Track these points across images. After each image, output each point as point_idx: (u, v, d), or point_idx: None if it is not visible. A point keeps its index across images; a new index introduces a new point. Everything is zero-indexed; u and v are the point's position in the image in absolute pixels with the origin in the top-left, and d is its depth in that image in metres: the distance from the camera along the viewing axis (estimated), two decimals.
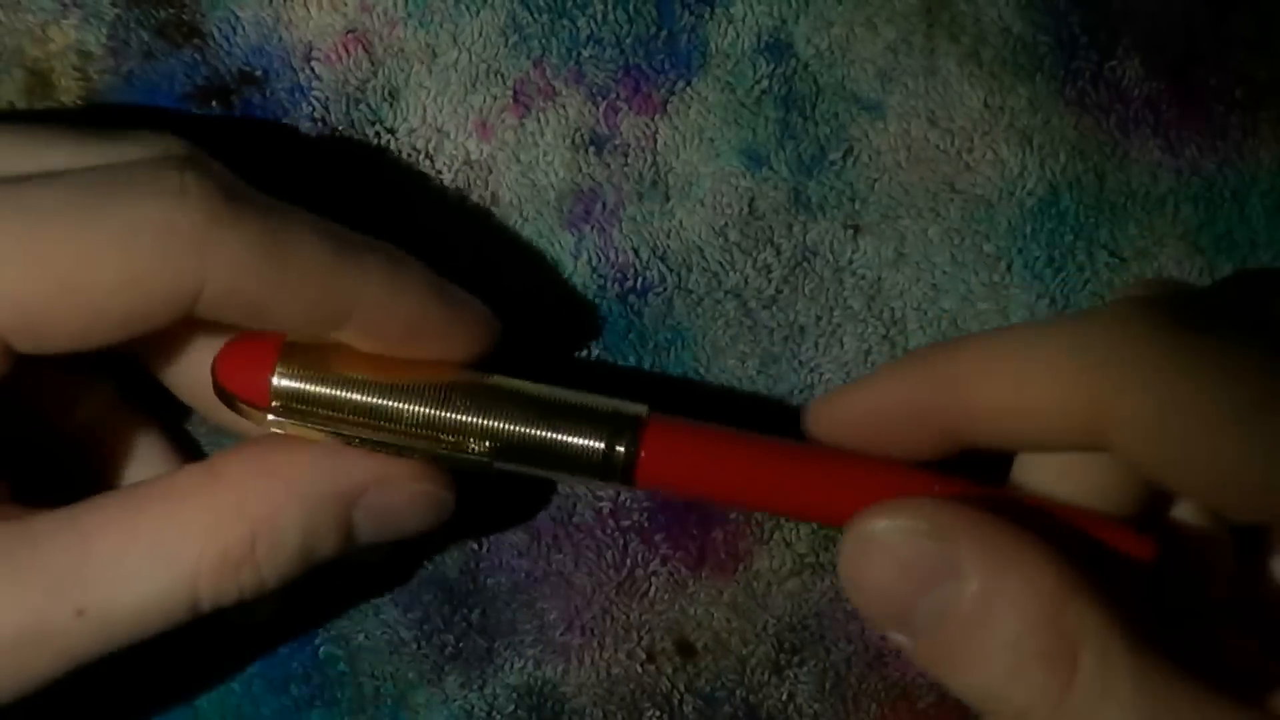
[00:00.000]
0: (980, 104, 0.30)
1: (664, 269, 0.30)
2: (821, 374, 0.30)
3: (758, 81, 0.30)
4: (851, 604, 0.24)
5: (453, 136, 0.30)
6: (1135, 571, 0.24)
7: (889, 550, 0.23)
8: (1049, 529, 0.23)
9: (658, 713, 0.30)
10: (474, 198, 0.30)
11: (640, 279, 0.30)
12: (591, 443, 0.25)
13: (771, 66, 0.30)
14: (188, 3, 0.29)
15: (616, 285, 0.30)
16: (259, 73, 0.30)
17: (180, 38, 0.29)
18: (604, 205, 0.30)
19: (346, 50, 0.30)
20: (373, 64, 0.30)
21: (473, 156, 0.30)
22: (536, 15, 0.30)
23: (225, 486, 0.24)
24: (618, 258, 0.30)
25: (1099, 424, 0.22)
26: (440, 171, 0.30)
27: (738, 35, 0.30)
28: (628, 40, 0.30)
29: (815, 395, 0.30)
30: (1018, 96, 0.30)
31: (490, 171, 0.30)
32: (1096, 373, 0.22)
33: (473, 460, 0.25)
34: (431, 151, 0.30)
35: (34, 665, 0.23)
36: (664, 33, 0.30)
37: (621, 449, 0.25)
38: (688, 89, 0.30)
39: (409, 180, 0.30)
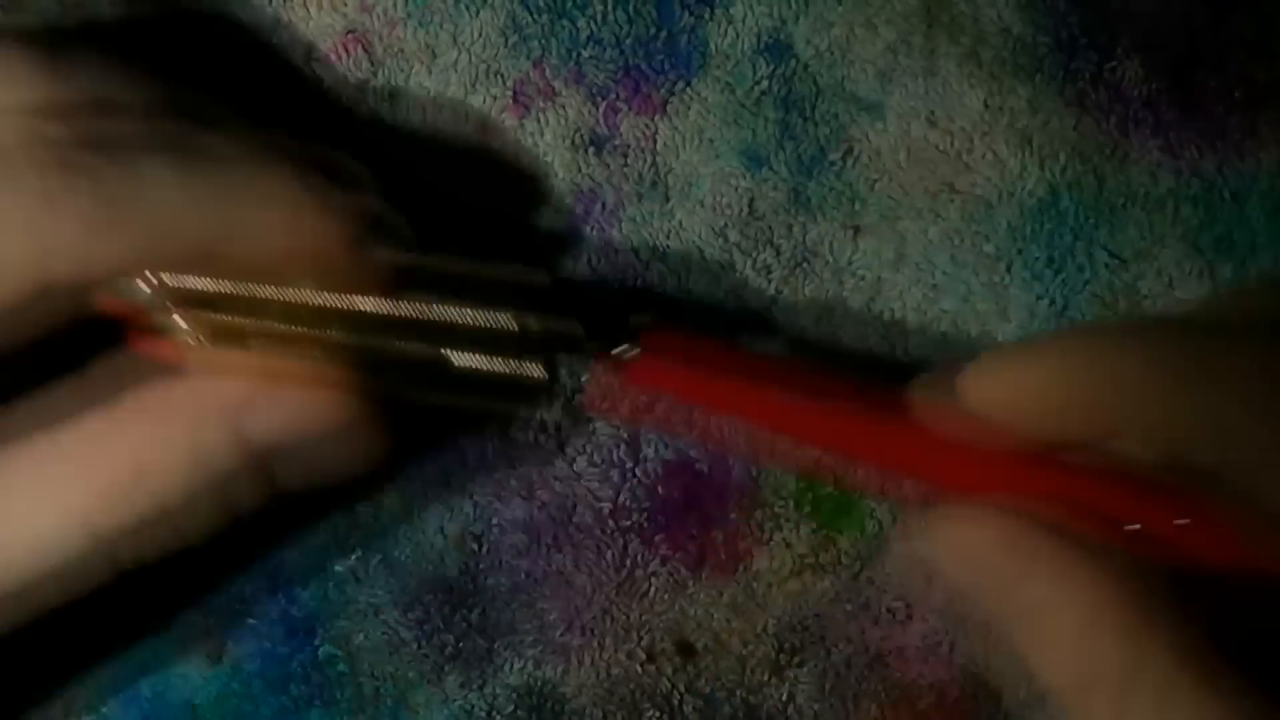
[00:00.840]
0: (980, 105, 0.30)
1: (664, 269, 0.30)
2: None
3: (757, 82, 0.30)
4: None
5: (453, 137, 0.30)
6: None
7: (963, 555, 0.23)
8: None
9: (658, 713, 0.30)
10: (474, 198, 0.30)
11: (640, 280, 0.30)
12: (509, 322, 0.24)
13: (771, 67, 0.30)
14: (187, 3, 0.29)
15: (617, 286, 0.30)
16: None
17: None
18: (604, 205, 0.30)
19: (346, 51, 0.30)
20: (372, 64, 0.30)
21: (473, 157, 0.30)
22: (536, 16, 0.30)
23: (112, 423, 0.23)
24: (618, 258, 0.30)
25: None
26: (440, 172, 0.30)
27: (737, 36, 0.30)
28: (627, 41, 0.30)
29: None
30: (1017, 97, 0.30)
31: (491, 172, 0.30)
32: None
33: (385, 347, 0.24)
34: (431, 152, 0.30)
35: None
36: (664, 33, 0.30)
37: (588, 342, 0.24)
38: (687, 89, 0.30)
39: (408, 181, 0.30)
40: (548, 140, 0.30)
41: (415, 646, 0.30)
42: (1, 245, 0.22)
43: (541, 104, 0.30)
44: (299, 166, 0.24)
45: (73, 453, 0.23)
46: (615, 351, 0.24)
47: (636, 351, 0.25)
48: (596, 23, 0.30)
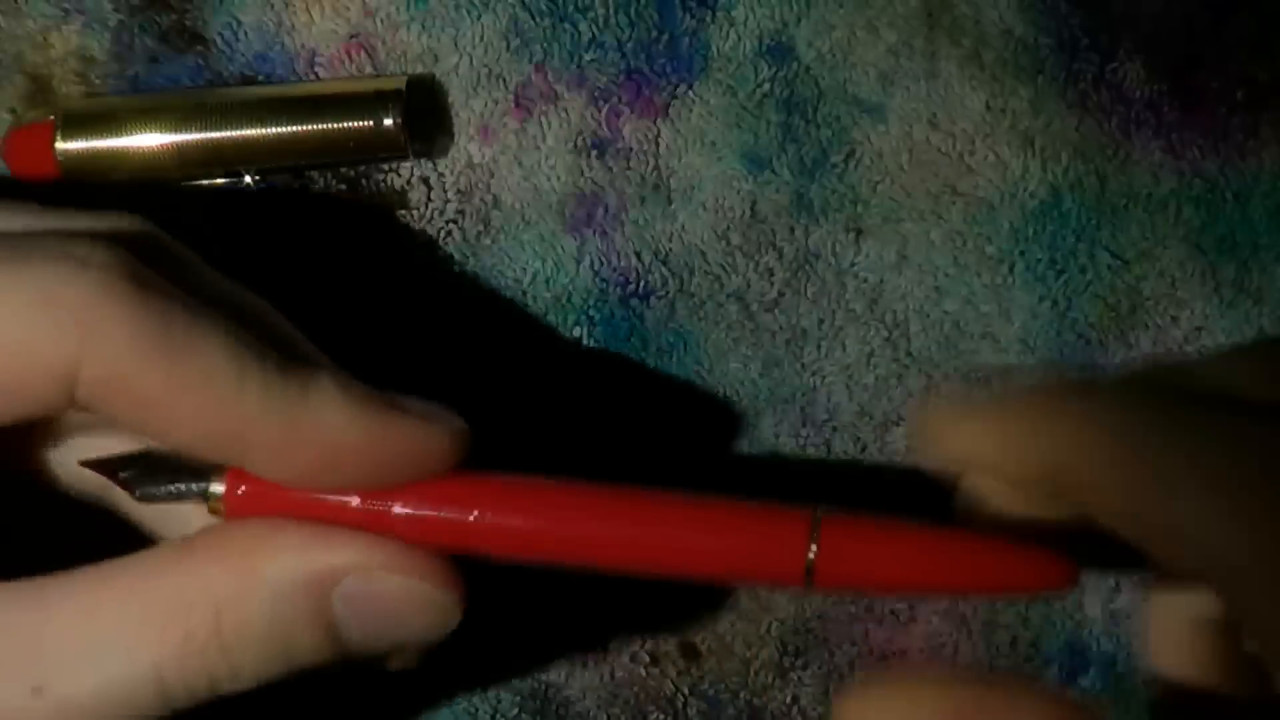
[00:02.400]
0: (982, 106, 0.30)
1: (666, 272, 0.30)
2: (824, 376, 0.30)
3: (759, 85, 0.30)
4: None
5: (455, 140, 0.30)
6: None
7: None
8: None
9: (661, 715, 0.30)
10: (476, 201, 0.30)
11: (643, 283, 0.30)
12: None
13: (773, 70, 0.30)
14: (190, 8, 0.29)
15: (619, 289, 0.30)
16: (262, 78, 0.30)
17: (183, 44, 0.29)
18: (606, 209, 0.30)
19: (349, 55, 0.30)
20: (375, 69, 0.30)
21: (475, 160, 0.30)
22: (538, 19, 0.30)
23: (191, 567, 0.23)
24: (620, 261, 0.30)
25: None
26: (443, 175, 0.30)
27: (739, 38, 0.30)
28: (629, 44, 0.30)
29: (818, 398, 0.30)
30: (1019, 99, 0.30)
31: (492, 175, 0.30)
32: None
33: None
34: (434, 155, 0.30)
35: None
36: (665, 36, 0.30)
37: None
38: (689, 92, 0.30)
39: (411, 184, 0.30)
40: (550, 144, 0.30)
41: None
42: (43, 330, 0.21)
43: (544, 107, 0.30)
44: (365, 400, 0.23)
45: (156, 602, 0.23)
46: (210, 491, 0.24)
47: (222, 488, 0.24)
48: (598, 26, 0.30)
